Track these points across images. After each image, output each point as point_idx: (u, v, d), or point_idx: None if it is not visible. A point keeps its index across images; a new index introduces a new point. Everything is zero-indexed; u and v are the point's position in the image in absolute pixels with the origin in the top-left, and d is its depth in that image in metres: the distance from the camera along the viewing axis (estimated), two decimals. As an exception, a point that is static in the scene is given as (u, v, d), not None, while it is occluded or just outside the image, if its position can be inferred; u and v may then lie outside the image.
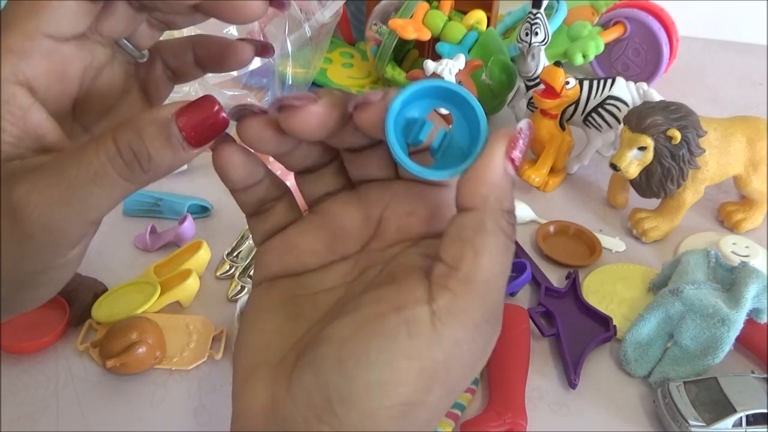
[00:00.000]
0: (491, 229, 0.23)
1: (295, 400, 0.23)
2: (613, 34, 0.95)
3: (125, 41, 0.29)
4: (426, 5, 0.85)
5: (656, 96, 0.73)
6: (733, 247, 0.68)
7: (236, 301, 0.61)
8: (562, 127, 0.76)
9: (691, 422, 0.49)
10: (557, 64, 0.72)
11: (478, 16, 0.87)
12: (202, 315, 0.60)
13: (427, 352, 0.22)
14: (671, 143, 0.64)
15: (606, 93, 0.76)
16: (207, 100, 0.24)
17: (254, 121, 0.25)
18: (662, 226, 0.70)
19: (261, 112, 0.25)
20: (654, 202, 0.72)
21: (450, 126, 0.25)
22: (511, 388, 0.53)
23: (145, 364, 0.54)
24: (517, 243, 0.70)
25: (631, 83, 0.76)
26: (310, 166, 0.29)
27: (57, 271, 0.27)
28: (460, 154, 0.25)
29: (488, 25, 0.88)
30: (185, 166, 0.78)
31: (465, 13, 0.88)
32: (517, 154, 0.24)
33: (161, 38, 0.30)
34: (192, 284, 0.60)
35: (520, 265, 0.64)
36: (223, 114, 0.25)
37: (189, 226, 0.67)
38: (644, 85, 0.76)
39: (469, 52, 0.83)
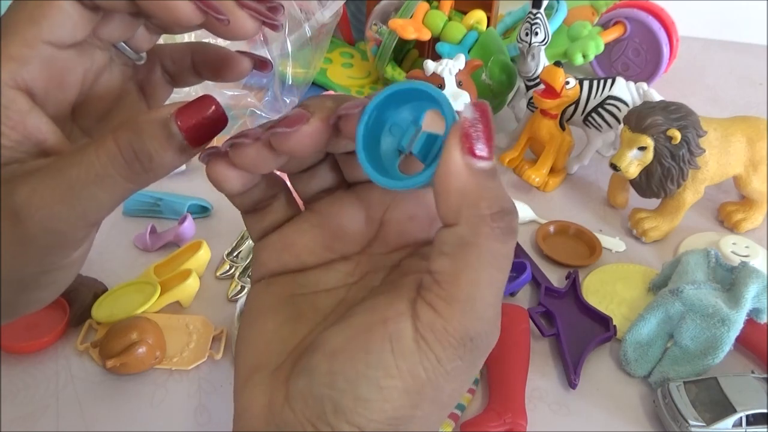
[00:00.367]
0: (471, 242, 0.21)
1: (291, 405, 0.23)
2: (613, 34, 0.95)
3: (123, 44, 0.29)
4: (426, 5, 0.85)
5: (656, 96, 0.73)
6: (733, 247, 0.68)
7: (236, 301, 0.61)
8: (562, 127, 0.76)
9: (691, 422, 0.49)
10: (557, 64, 0.72)
11: (478, 16, 0.87)
12: (202, 315, 0.60)
13: (410, 371, 0.22)
14: (671, 143, 0.64)
15: (606, 93, 0.76)
16: (206, 100, 0.25)
17: (249, 150, 0.25)
18: (662, 226, 0.70)
19: (254, 139, 0.25)
20: (654, 202, 0.72)
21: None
22: (511, 388, 0.53)
23: (145, 364, 0.54)
24: (517, 243, 0.70)
25: (631, 83, 0.76)
26: (304, 169, 0.29)
27: (60, 272, 0.27)
28: None
29: (488, 25, 0.88)
30: (184, 167, 0.78)
31: (465, 13, 0.88)
32: (479, 145, 0.22)
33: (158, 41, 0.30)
34: (192, 284, 0.60)
35: (520, 265, 0.64)
36: (223, 113, 0.25)
37: (189, 226, 0.67)
38: (644, 85, 0.76)
39: (469, 52, 0.83)
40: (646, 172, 0.67)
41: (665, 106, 0.66)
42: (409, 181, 0.22)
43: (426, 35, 0.83)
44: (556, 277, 0.66)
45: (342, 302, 0.27)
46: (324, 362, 0.23)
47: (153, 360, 0.54)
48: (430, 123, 0.23)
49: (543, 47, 0.75)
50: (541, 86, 0.74)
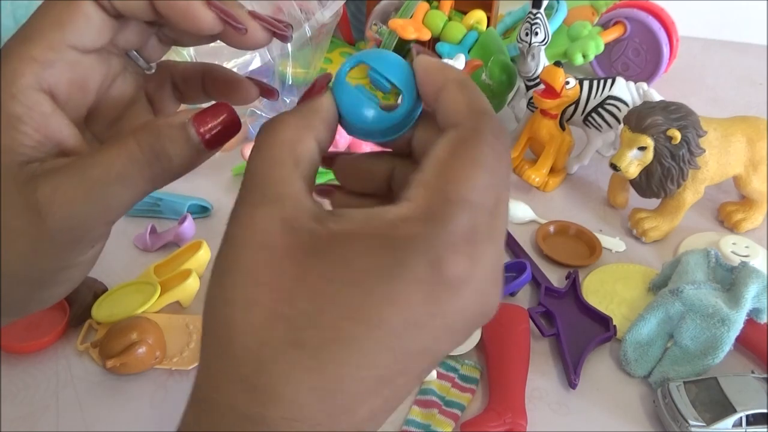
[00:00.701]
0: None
1: None
2: (613, 34, 0.95)
3: (135, 53, 0.30)
4: (426, 5, 0.85)
5: (656, 96, 0.73)
6: (733, 247, 0.68)
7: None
8: (562, 127, 0.76)
9: (691, 422, 0.49)
10: (557, 64, 0.72)
11: (478, 16, 0.87)
12: (202, 315, 0.60)
13: None
14: (671, 143, 0.64)
15: (606, 93, 0.76)
16: (221, 107, 0.27)
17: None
18: (662, 226, 0.70)
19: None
20: (654, 202, 0.72)
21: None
22: (511, 388, 0.53)
23: (145, 364, 0.54)
24: (517, 243, 0.70)
25: (631, 83, 0.76)
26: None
27: (74, 269, 0.28)
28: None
29: (488, 25, 0.88)
30: (185, 166, 0.78)
31: (465, 13, 0.88)
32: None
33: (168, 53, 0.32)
34: (192, 284, 0.60)
35: (520, 265, 0.64)
36: (237, 118, 0.27)
37: (189, 226, 0.67)
38: (644, 85, 0.76)
39: (469, 52, 0.83)
40: (646, 172, 0.67)
41: (665, 106, 0.66)
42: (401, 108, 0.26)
43: (426, 35, 0.83)
44: (556, 277, 0.66)
45: None
46: None
47: (153, 360, 0.54)
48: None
49: (543, 47, 0.75)
50: (541, 86, 0.74)
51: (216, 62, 0.79)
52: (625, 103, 0.75)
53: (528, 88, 0.79)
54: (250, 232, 0.23)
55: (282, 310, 0.22)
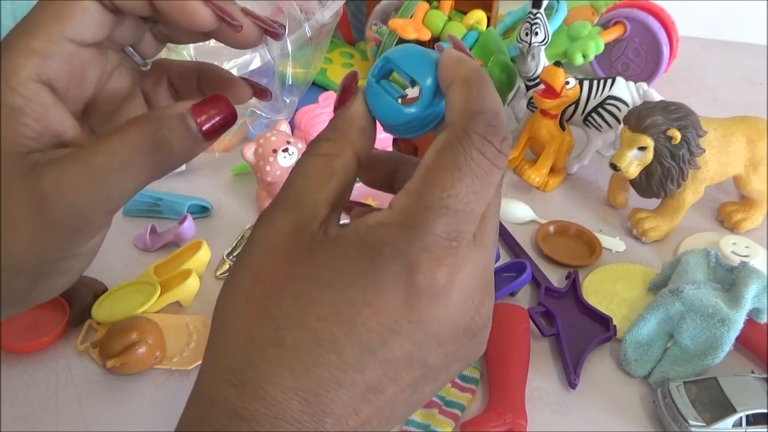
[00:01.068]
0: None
1: None
2: (613, 34, 0.95)
3: (131, 49, 0.30)
4: (426, 5, 0.85)
5: (656, 96, 0.73)
6: (733, 247, 0.68)
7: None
8: (562, 127, 0.76)
9: (691, 422, 0.49)
10: (557, 64, 0.72)
11: (478, 16, 0.87)
12: (202, 315, 0.60)
13: None
14: (671, 143, 0.64)
15: (606, 93, 0.76)
16: (219, 99, 0.27)
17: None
18: (662, 226, 0.70)
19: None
20: (654, 202, 0.72)
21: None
22: (511, 388, 0.53)
23: (145, 364, 0.54)
24: (517, 243, 0.70)
25: (631, 83, 0.76)
26: None
27: (76, 259, 0.28)
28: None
29: (488, 25, 0.88)
30: (184, 167, 0.78)
31: (465, 13, 0.88)
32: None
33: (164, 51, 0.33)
34: (192, 284, 0.60)
35: (519, 264, 0.64)
36: (233, 110, 0.28)
37: (189, 226, 0.67)
38: (644, 85, 0.76)
39: (469, 52, 0.83)
40: (646, 172, 0.67)
41: (665, 106, 0.66)
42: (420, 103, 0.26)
43: (426, 35, 0.83)
44: (556, 277, 0.66)
45: None
46: None
47: (153, 360, 0.54)
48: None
49: (543, 47, 0.75)
50: (541, 86, 0.74)
51: (216, 62, 0.79)
52: (625, 103, 0.75)
53: (528, 88, 0.79)
54: (265, 232, 0.24)
55: (270, 308, 0.22)
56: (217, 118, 0.27)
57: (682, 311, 0.57)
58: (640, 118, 0.65)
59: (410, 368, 0.23)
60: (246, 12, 0.28)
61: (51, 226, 0.25)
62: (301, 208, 0.24)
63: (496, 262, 0.66)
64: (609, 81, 0.76)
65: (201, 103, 0.27)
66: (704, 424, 0.49)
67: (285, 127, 0.71)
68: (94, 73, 0.29)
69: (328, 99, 0.78)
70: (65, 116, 0.27)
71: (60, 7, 0.26)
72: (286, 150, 0.67)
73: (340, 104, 0.26)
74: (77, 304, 0.58)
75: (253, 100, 0.80)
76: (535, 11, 0.73)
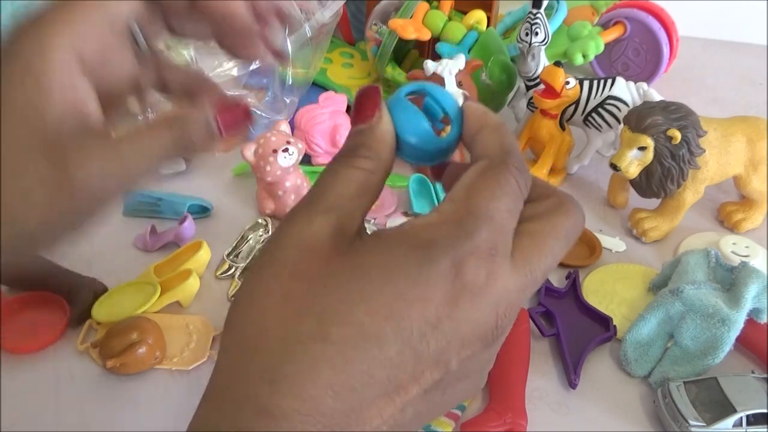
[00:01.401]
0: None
1: None
2: (613, 34, 0.95)
3: (137, 29, 0.31)
4: (426, 5, 0.85)
5: (656, 96, 0.73)
6: (733, 247, 0.68)
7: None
8: (562, 127, 0.76)
9: (691, 422, 0.49)
10: (557, 64, 0.72)
11: (478, 16, 0.86)
12: (202, 315, 0.60)
13: None
14: (671, 143, 0.64)
15: (606, 93, 0.76)
16: (242, 107, 0.31)
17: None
18: (662, 226, 0.70)
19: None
20: (654, 202, 0.72)
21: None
22: (511, 388, 0.53)
23: (145, 364, 0.54)
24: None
25: (631, 83, 0.76)
26: None
27: (87, 227, 0.30)
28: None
29: (488, 25, 0.88)
30: (184, 166, 0.78)
31: (465, 13, 0.88)
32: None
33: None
34: (192, 284, 0.60)
35: (520, 265, 0.64)
36: (251, 118, 0.31)
37: (189, 226, 0.67)
38: (644, 85, 0.76)
39: (469, 52, 0.83)
40: (646, 172, 0.67)
41: (665, 106, 0.66)
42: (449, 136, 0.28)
43: (426, 35, 0.83)
44: (556, 277, 0.66)
45: None
46: None
47: (153, 360, 0.54)
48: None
49: (543, 47, 0.75)
50: (541, 86, 0.74)
51: (216, 61, 0.79)
52: (625, 103, 0.75)
53: (528, 88, 0.79)
54: (300, 232, 0.24)
55: (313, 305, 0.23)
56: (238, 126, 0.30)
57: (682, 311, 0.57)
58: (640, 118, 0.65)
59: (435, 368, 0.23)
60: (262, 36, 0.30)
61: (69, 209, 0.27)
62: (342, 213, 0.25)
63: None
64: (609, 81, 0.76)
65: (225, 109, 0.30)
66: (704, 424, 0.49)
67: (285, 127, 0.71)
68: (118, 58, 0.30)
69: (328, 99, 0.78)
70: (92, 98, 0.28)
71: None
72: (286, 150, 0.67)
73: (363, 117, 0.27)
74: (77, 304, 0.58)
75: (254, 101, 0.81)
76: (535, 11, 0.73)
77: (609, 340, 0.59)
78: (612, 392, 0.55)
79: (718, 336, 0.54)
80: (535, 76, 0.76)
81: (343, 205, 0.25)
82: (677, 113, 0.65)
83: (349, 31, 1.01)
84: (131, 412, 0.52)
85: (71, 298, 0.59)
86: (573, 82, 0.73)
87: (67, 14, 0.27)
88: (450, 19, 0.86)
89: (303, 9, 0.82)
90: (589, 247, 0.70)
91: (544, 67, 0.74)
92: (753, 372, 0.54)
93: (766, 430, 0.49)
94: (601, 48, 0.87)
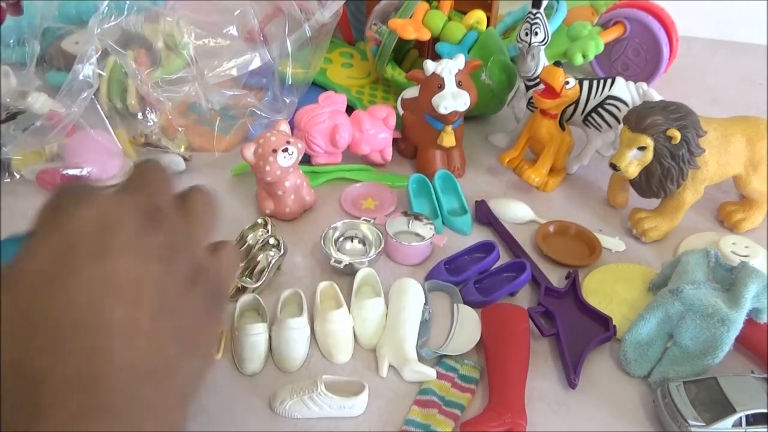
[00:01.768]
0: None
1: None
2: (613, 34, 0.95)
3: None
4: (426, 5, 0.85)
5: (656, 96, 0.73)
6: (732, 247, 0.68)
7: (236, 301, 0.61)
8: (562, 127, 0.76)
9: (691, 422, 0.49)
10: (557, 64, 0.72)
11: (477, 16, 0.87)
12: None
13: None
14: (671, 143, 0.64)
15: (606, 93, 0.76)
16: None
17: None
18: (662, 226, 0.70)
19: None
20: (654, 202, 0.72)
21: None
22: (510, 388, 0.53)
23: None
24: (516, 243, 0.70)
25: (631, 83, 0.76)
26: None
27: None
28: None
29: (488, 25, 0.88)
30: (184, 166, 0.78)
31: (465, 13, 0.88)
32: None
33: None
34: (192, 284, 0.60)
35: (519, 264, 0.64)
36: None
37: (189, 226, 0.67)
38: (644, 85, 0.76)
39: (468, 52, 0.83)
40: (646, 172, 0.67)
41: (665, 106, 0.66)
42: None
43: (426, 35, 0.83)
44: (555, 277, 0.66)
45: None
46: None
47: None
48: None
49: (543, 47, 0.75)
50: (541, 86, 0.74)
51: (216, 62, 0.79)
52: (625, 103, 0.75)
53: (528, 88, 0.79)
54: None
55: None
56: None
57: (681, 311, 0.57)
58: (639, 118, 0.65)
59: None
60: None
61: None
62: None
63: (496, 262, 0.66)
64: (609, 81, 0.76)
65: None
66: (704, 424, 0.49)
67: (285, 127, 0.71)
68: None
69: (328, 99, 0.78)
70: None
71: None
72: (285, 150, 0.67)
73: None
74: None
75: (254, 101, 0.81)
76: (534, 11, 0.73)
77: (609, 339, 0.59)
78: (611, 392, 0.55)
79: (718, 336, 0.54)
80: (534, 76, 0.76)
81: None
82: (677, 113, 0.65)
83: (349, 31, 1.02)
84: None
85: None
86: (573, 82, 0.73)
87: None
88: (450, 19, 0.86)
89: (303, 9, 0.82)
90: (589, 247, 0.70)
91: (543, 67, 0.74)
92: (753, 372, 0.54)
93: (765, 430, 0.49)
94: (601, 48, 0.87)
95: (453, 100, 0.71)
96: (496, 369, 0.55)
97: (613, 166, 0.67)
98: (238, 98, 0.80)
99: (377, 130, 0.79)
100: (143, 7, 0.80)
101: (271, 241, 0.66)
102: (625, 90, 0.76)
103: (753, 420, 0.49)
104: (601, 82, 0.76)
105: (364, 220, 0.70)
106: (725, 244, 0.68)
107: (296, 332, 0.57)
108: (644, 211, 0.72)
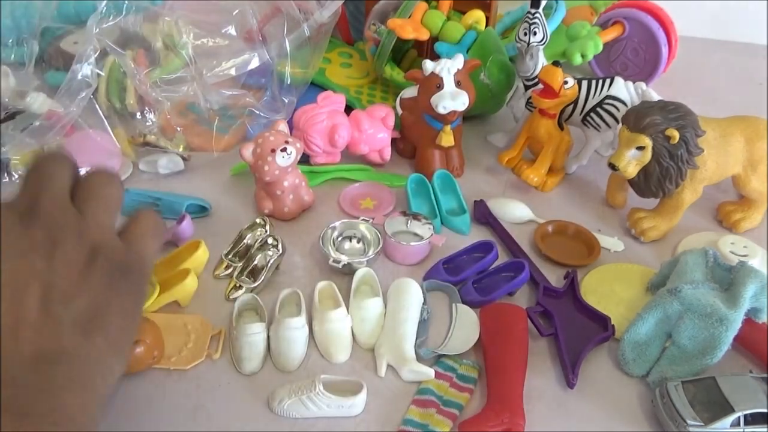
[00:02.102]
0: None
1: None
2: (612, 33, 0.95)
3: None
4: (425, 5, 0.85)
5: (655, 96, 0.73)
6: (731, 246, 0.68)
7: (234, 300, 0.61)
8: (561, 127, 0.76)
9: (689, 422, 0.49)
10: (556, 63, 0.72)
11: (476, 15, 0.87)
12: (200, 314, 0.60)
13: None
14: (670, 143, 0.64)
15: (604, 93, 0.76)
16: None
17: None
18: (661, 226, 0.70)
19: None
20: (652, 202, 0.72)
21: None
22: (509, 387, 0.53)
23: (143, 363, 0.54)
24: (515, 242, 0.70)
25: (630, 83, 0.76)
26: None
27: None
28: None
29: (487, 25, 0.88)
30: (183, 166, 0.78)
31: (464, 12, 0.88)
32: None
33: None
34: (190, 283, 0.60)
35: (518, 264, 0.64)
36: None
37: (187, 225, 0.67)
38: (643, 84, 0.76)
39: (467, 51, 0.83)
40: (645, 171, 0.67)
41: (664, 106, 0.66)
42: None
43: (425, 35, 0.83)
44: (554, 277, 0.66)
45: None
46: None
47: (151, 360, 0.54)
48: None
49: (541, 47, 0.75)
50: (540, 86, 0.74)
51: (215, 62, 0.79)
52: (624, 103, 0.75)
53: (527, 87, 0.79)
54: None
55: None
56: None
57: (680, 311, 0.57)
58: (638, 118, 0.65)
59: None
60: None
61: None
62: None
63: (494, 262, 0.66)
64: (608, 81, 0.76)
65: None
66: (702, 424, 0.49)
67: (283, 126, 0.71)
68: None
69: (327, 99, 0.78)
70: None
71: None
72: (284, 150, 0.67)
73: None
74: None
75: (252, 100, 0.81)
76: (533, 11, 0.73)
77: (607, 339, 0.59)
78: (610, 392, 0.55)
79: (716, 336, 0.54)
80: (533, 75, 0.76)
81: None
82: (676, 113, 0.65)
83: (348, 31, 1.02)
84: (129, 413, 0.52)
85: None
86: (571, 81, 0.73)
87: None
88: (449, 18, 0.86)
89: (302, 9, 0.82)
90: (588, 247, 0.70)
91: (542, 67, 0.74)
92: (751, 372, 0.54)
93: (764, 430, 0.49)
94: (600, 48, 0.87)
95: (452, 99, 0.71)
96: (494, 369, 0.55)
97: (612, 166, 0.67)
98: (237, 98, 0.80)
99: (376, 130, 0.79)
100: (142, 7, 0.80)
101: (270, 240, 0.66)
102: (624, 90, 0.76)
103: (751, 420, 0.49)
104: (600, 81, 0.76)
105: (363, 219, 0.70)
106: (724, 243, 0.68)
107: (295, 332, 0.57)
108: (643, 210, 0.72)
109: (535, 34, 0.74)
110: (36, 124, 0.74)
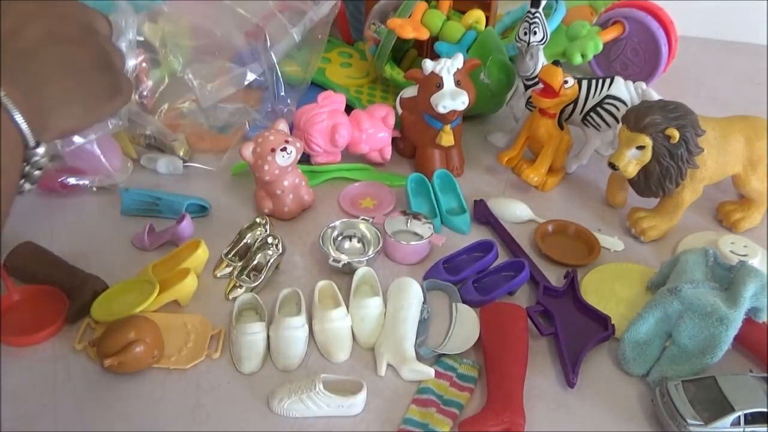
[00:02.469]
0: None
1: None
2: (612, 33, 0.95)
3: None
4: (424, 5, 0.85)
5: (655, 95, 0.73)
6: (731, 246, 0.68)
7: (234, 300, 0.61)
8: (561, 127, 0.76)
9: (690, 421, 0.49)
10: (556, 63, 0.72)
11: (476, 15, 0.87)
12: (200, 314, 0.60)
13: None
14: (670, 142, 0.64)
15: (605, 92, 0.76)
16: None
17: None
18: (661, 226, 0.70)
19: None
20: (652, 202, 0.72)
21: None
22: (509, 387, 0.53)
23: (143, 363, 0.54)
24: (515, 242, 0.70)
25: (630, 83, 0.76)
26: None
27: None
28: None
29: (487, 25, 0.88)
30: (182, 170, 0.78)
31: (463, 12, 0.88)
32: None
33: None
34: (190, 283, 0.60)
35: (518, 264, 0.64)
36: None
37: (187, 225, 0.67)
38: (643, 84, 0.76)
39: (467, 51, 0.83)
40: (645, 171, 0.67)
41: (664, 106, 0.66)
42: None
43: (424, 34, 0.83)
44: (554, 276, 0.66)
45: None
46: None
47: (151, 359, 0.54)
48: None
49: (541, 47, 0.75)
50: (540, 85, 0.74)
51: (211, 85, 0.79)
52: (624, 103, 0.75)
53: (527, 87, 0.79)
54: None
55: None
56: None
57: (680, 310, 0.57)
58: (638, 117, 0.65)
59: None
60: None
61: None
62: None
63: (494, 261, 0.66)
64: (608, 80, 0.76)
65: None
66: (702, 423, 0.49)
67: (283, 126, 0.71)
68: None
69: (327, 98, 0.78)
70: None
71: None
72: (284, 149, 0.67)
73: None
74: (77, 300, 0.59)
75: (252, 110, 0.81)
76: (533, 11, 0.73)
77: (607, 339, 0.59)
78: (610, 391, 0.55)
79: (716, 335, 0.54)
80: (533, 75, 0.76)
81: None
82: (676, 112, 0.65)
83: (348, 30, 1.01)
84: (129, 412, 0.52)
85: (73, 294, 0.59)
86: (571, 81, 0.73)
87: None
88: (448, 18, 0.86)
89: (301, 9, 0.82)
90: (588, 247, 0.70)
91: (542, 67, 0.74)
92: (751, 371, 0.54)
93: (764, 429, 0.49)
94: (600, 47, 0.87)
95: (452, 99, 0.71)
96: (494, 368, 0.55)
97: (612, 166, 0.67)
98: (238, 113, 0.81)
99: (376, 130, 0.79)
100: (142, 7, 0.80)
101: (270, 240, 0.66)
102: (624, 89, 0.76)
103: (751, 419, 0.49)
104: (600, 81, 0.76)
105: (363, 219, 0.70)
106: (724, 243, 0.68)
107: (295, 331, 0.57)
108: (643, 210, 0.72)
109: (535, 33, 0.74)
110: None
